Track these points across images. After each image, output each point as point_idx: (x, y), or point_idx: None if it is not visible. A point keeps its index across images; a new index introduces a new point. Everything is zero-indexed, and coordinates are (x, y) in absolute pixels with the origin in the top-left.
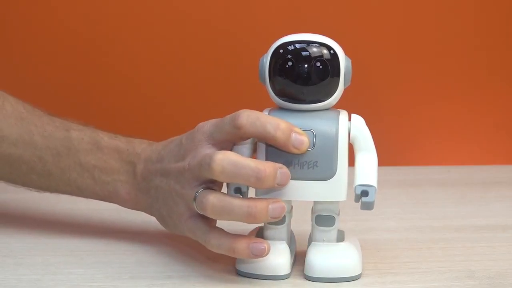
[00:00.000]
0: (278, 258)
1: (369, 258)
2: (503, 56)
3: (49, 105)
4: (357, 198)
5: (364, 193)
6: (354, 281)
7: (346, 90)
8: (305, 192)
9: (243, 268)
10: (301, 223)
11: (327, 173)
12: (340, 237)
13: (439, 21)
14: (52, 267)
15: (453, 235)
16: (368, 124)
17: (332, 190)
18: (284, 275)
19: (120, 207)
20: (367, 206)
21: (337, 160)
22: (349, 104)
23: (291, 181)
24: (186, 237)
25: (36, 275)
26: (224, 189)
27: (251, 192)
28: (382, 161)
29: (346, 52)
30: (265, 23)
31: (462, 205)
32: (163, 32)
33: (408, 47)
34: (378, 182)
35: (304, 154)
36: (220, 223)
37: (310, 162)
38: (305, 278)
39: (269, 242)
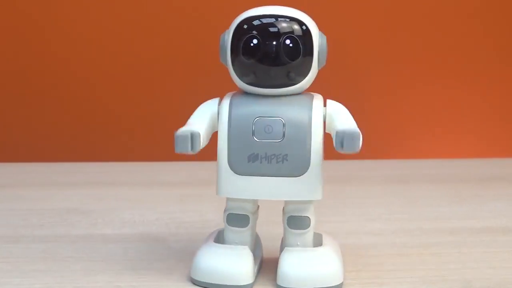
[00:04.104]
0: (239, 265)
1: (350, 265)
2: (500, 40)
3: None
4: (341, 135)
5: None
6: None
7: (322, 73)
8: (273, 190)
9: (199, 277)
10: (271, 225)
11: (298, 169)
12: (318, 241)
13: None
14: None
15: (446, 239)
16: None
17: (305, 188)
18: (246, 285)
19: (58, 207)
20: (353, 142)
21: (310, 153)
22: (324, 89)
23: (257, 177)
24: (136, 242)
25: None
26: None
27: (212, 192)
28: (365, 154)
29: (324, 29)
30: None
31: (456, 205)
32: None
33: (394, 25)
34: (360, 177)
35: (272, 146)
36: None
37: (279, 156)
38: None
39: (230, 247)
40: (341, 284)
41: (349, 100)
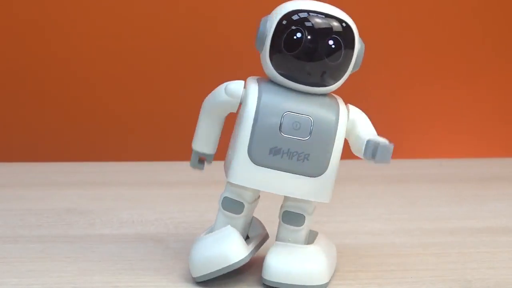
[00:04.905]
0: (226, 244)
1: (349, 266)
2: (500, 40)
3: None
4: (374, 146)
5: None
6: None
7: None
8: (286, 186)
9: (197, 273)
10: (271, 226)
11: (318, 169)
12: (311, 240)
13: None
14: None
15: (446, 239)
16: None
17: (319, 189)
18: (239, 261)
19: (56, 207)
20: (386, 154)
21: (331, 156)
22: None
23: (274, 171)
24: (135, 242)
25: None
26: None
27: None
28: None
29: None
30: None
31: (456, 205)
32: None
33: (394, 25)
34: (359, 177)
35: (296, 143)
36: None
37: (301, 154)
38: (262, 282)
39: (215, 232)
40: (327, 283)
41: (349, 100)
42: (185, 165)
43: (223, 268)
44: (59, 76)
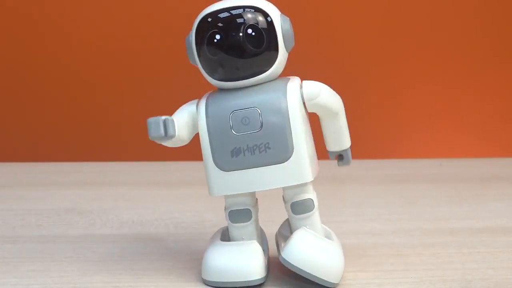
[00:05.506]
0: (250, 261)
1: (349, 265)
2: (500, 40)
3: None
4: (332, 155)
5: (340, 158)
6: None
7: (321, 74)
8: (263, 180)
9: (211, 277)
10: (270, 225)
11: (282, 154)
12: (328, 236)
13: None
14: None
15: (446, 239)
16: (347, 112)
17: (293, 172)
18: (259, 278)
19: (56, 207)
20: (345, 164)
21: (291, 137)
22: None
23: (244, 171)
24: (135, 242)
25: None
26: None
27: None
28: (364, 153)
29: (323, 29)
30: None
31: (456, 205)
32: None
33: (394, 25)
34: (359, 177)
35: (252, 137)
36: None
37: (261, 145)
38: (280, 261)
39: (238, 243)
40: (337, 284)
41: (349, 100)
42: (185, 165)
43: (241, 282)
44: (59, 76)
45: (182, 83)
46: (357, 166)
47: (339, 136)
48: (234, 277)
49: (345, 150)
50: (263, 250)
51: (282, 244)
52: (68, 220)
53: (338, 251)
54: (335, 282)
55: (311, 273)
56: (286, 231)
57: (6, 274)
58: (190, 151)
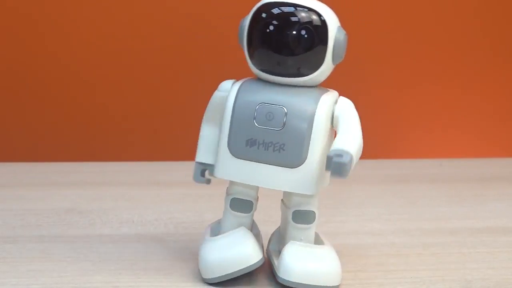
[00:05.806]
0: (244, 246)
1: (348, 266)
2: (500, 40)
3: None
4: (329, 160)
5: (338, 157)
6: None
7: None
8: (267, 178)
9: (211, 274)
10: (270, 225)
11: (294, 160)
12: (318, 240)
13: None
14: None
15: (446, 239)
16: None
17: (300, 181)
18: (258, 261)
19: (56, 207)
20: (339, 169)
21: (308, 146)
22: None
23: (253, 163)
24: (134, 242)
25: None
26: None
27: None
28: (364, 153)
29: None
30: None
31: (456, 205)
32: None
33: (394, 25)
34: (359, 177)
35: (271, 134)
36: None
37: (277, 145)
38: (278, 282)
39: (227, 234)
40: (339, 285)
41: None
42: (185, 165)
43: (241, 270)
44: (59, 76)
45: (183, 83)
46: (357, 166)
47: (347, 138)
48: (232, 267)
49: (346, 152)
50: (254, 234)
51: (276, 263)
52: (68, 220)
53: (331, 254)
54: (337, 284)
55: (312, 284)
56: (275, 246)
57: (6, 274)
58: (190, 151)
